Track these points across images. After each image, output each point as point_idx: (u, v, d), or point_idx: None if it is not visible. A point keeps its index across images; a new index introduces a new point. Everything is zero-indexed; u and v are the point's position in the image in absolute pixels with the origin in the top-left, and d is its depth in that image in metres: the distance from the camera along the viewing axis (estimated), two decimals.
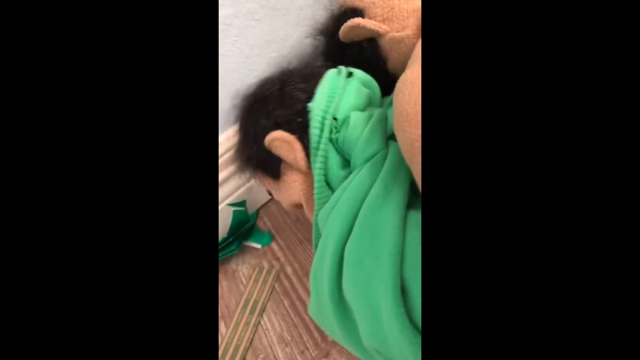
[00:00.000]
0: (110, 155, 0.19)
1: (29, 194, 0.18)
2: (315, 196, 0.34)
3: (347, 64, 0.41)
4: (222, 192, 0.54)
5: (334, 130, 0.35)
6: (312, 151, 0.36)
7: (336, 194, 0.32)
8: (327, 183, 0.35)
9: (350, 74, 0.39)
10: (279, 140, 0.37)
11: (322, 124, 0.35)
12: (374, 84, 0.41)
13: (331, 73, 0.38)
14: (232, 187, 0.55)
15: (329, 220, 0.31)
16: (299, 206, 0.41)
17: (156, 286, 0.19)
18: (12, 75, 0.18)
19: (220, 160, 0.52)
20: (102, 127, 0.19)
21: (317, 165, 0.35)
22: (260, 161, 0.40)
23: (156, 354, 0.19)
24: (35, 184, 0.18)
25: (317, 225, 0.35)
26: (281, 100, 0.39)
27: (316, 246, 0.34)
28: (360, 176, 0.31)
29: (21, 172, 0.18)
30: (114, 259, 0.19)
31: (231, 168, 0.53)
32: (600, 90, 0.15)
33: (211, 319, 0.20)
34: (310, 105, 0.36)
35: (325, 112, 0.35)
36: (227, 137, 0.53)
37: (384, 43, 0.42)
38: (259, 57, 0.50)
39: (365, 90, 0.39)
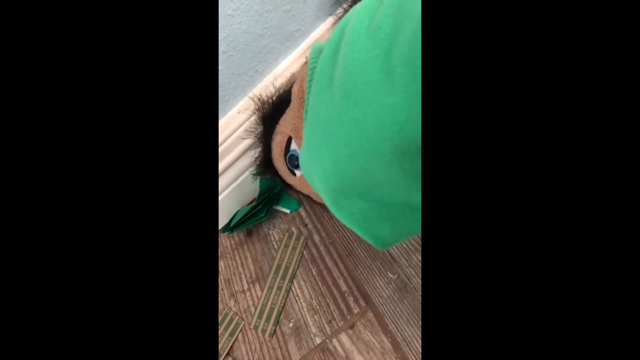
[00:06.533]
0: (102, 139, 0.18)
1: (20, 178, 0.17)
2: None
3: None
4: (246, 160, 0.53)
5: None
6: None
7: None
8: None
9: None
10: None
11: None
12: None
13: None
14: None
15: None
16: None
17: (154, 277, 0.18)
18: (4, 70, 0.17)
19: (242, 128, 0.51)
20: (92, 108, 0.18)
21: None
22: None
23: (155, 346, 0.18)
24: (30, 172, 0.17)
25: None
26: None
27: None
28: None
29: (6, 155, 0.17)
30: (109, 249, 0.18)
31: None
32: (601, 86, 0.15)
33: (211, 319, 0.19)
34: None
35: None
36: (248, 104, 0.50)
37: None
38: (271, 13, 0.44)
39: None
